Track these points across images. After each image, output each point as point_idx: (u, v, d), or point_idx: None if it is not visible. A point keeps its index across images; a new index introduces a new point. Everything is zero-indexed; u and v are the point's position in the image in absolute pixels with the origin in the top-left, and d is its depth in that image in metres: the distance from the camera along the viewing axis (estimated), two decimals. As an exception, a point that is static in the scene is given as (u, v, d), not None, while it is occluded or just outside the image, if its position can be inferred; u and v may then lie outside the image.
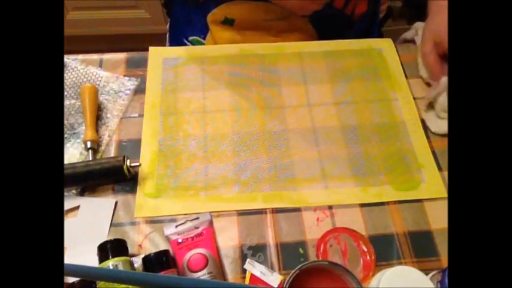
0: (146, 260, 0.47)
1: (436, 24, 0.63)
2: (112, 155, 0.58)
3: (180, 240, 0.49)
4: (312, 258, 0.50)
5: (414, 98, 0.64)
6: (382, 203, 0.55)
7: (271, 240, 0.51)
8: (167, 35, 0.88)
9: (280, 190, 0.55)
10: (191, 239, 0.49)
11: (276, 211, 0.54)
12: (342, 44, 0.71)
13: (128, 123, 0.61)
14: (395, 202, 0.55)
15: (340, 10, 0.73)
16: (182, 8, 0.80)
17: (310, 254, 0.51)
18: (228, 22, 0.75)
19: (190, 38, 0.79)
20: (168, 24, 0.86)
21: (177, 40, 0.81)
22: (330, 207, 0.54)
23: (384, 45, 0.71)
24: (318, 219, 0.53)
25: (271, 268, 0.49)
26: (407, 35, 0.73)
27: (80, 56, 0.67)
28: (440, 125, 0.61)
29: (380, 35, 0.86)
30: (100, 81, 0.65)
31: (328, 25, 0.74)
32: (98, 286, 0.44)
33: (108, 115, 0.61)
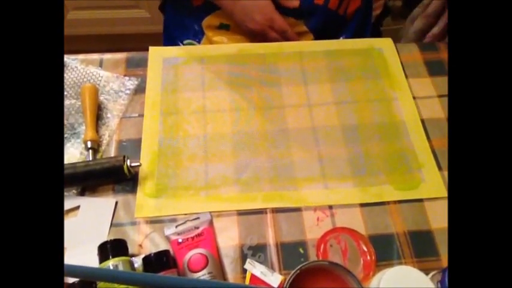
0: (146, 260, 0.47)
1: None
2: (112, 154, 0.58)
3: (180, 240, 0.49)
4: (312, 258, 0.50)
5: (414, 98, 0.64)
6: (382, 203, 0.54)
7: (271, 240, 0.51)
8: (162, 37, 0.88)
9: (280, 190, 0.55)
10: (191, 239, 0.49)
11: (276, 211, 0.54)
12: (342, 43, 0.71)
13: (128, 123, 0.61)
14: (395, 202, 0.55)
15: (334, 11, 0.74)
16: (175, 13, 0.81)
17: (310, 254, 0.51)
18: (224, 27, 0.75)
19: (184, 42, 0.79)
20: (163, 27, 0.87)
21: (171, 43, 0.81)
22: (330, 207, 0.54)
23: (384, 45, 0.71)
24: (318, 219, 0.53)
25: (272, 268, 0.49)
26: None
27: (80, 56, 0.67)
28: None
29: (378, 34, 0.86)
30: (100, 81, 0.65)
31: (323, 26, 0.74)
32: (98, 286, 0.44)
33: (108, 115, 0.61)
